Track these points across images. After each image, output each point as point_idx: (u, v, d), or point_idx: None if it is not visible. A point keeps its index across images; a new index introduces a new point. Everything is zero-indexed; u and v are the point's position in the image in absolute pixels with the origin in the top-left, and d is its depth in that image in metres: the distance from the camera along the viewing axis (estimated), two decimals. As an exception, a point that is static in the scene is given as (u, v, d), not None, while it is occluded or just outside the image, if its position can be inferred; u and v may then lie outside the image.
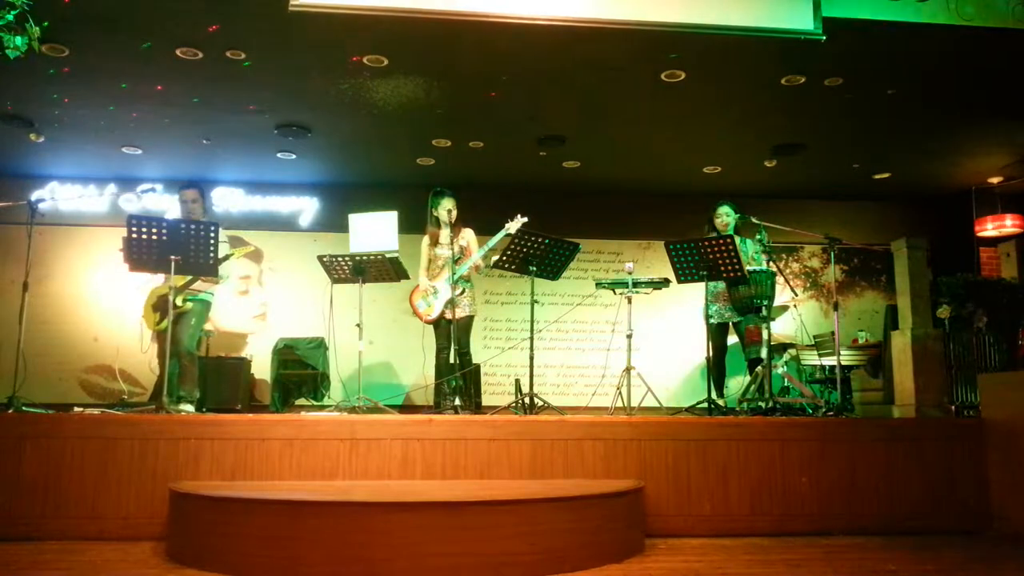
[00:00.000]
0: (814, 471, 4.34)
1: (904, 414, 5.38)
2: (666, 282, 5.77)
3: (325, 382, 7.44)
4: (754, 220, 5.55)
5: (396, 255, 5.35)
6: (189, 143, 7.54)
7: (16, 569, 3.34)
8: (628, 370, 5.40)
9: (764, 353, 5.35)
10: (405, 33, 5.44)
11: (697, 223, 6.24)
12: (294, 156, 7.91)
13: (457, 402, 5.06)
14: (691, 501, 4.24)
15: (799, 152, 7.64)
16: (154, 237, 4.71)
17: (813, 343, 7.61)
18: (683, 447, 4.30)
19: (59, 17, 5.10)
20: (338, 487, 3.90)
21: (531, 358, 5.17)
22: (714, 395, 5.26)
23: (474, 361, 6.25)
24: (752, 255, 5.76)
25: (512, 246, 5.20)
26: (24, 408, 4.42)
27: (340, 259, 5.37)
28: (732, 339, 6.01)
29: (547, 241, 5.15)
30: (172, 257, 4.72)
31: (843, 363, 7.32)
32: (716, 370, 5.72)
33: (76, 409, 4.92)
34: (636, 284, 5.72)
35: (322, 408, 6.77)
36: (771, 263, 5.52)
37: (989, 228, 8.47)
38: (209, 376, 6.60)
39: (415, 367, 6.48)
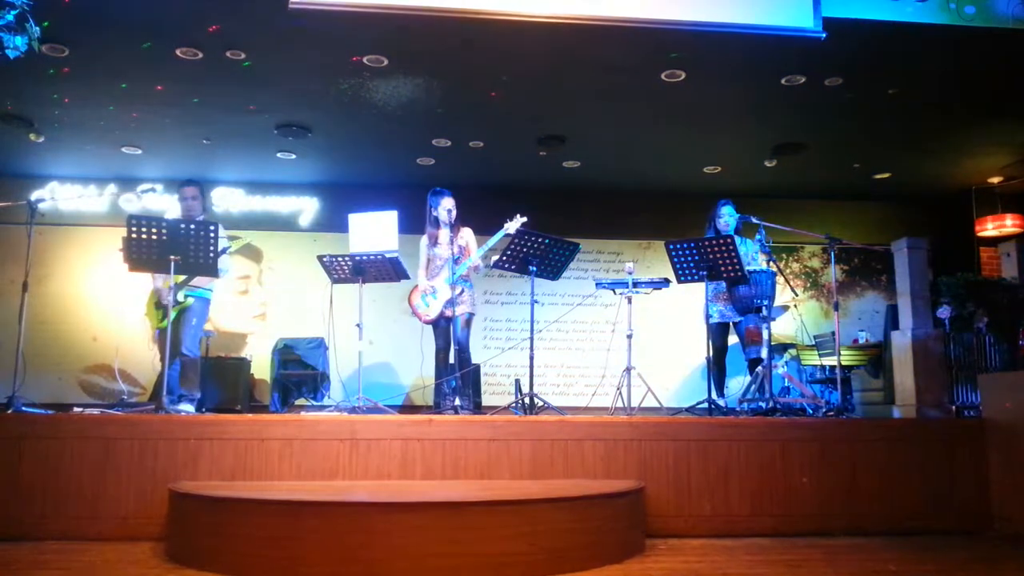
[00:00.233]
0: (815, 471, 4.34)
1: (905, 414, 5.37)
2: (666, 282, 5.77)
3: (325, 382, 7.44)
4: (754, 220, 5.54)
5: (396, 255, 5.34)
6: (189, 143, 7.54)
7: (16, 569, 3.33)
8: (628, 370, 5.40)
9: (764, 353, 5.34)
10: (405, 32, 5.44)
11: (697, 223, 6.24)
12: (294, 156, 7.91)
13: (457, 402, 5.06)
14: (691, 501, 4.24)
15: (799, 152, 7.63)
16: (154, 237, 4.71)
17: (813, 343, 7.61)
18: (683, 447, 4.30)
19: (59, 17, 5.10)
20: (338, 487, 3.90)
21: (531, 358, 5.17)
22: (714, 395, 5.26)
23: (474, 361, 6.25)
24: (752, 255, 5.75)
25: (512, 246, 5.19)
26: (23, 408, 4.42)
27: (340, 259, 5.37)
28: (732, 339, 6.01)
29: (547, 241, 5.14)
30: (172, 257, 4.72)
31: (843, 363, 7.32)
32: (716, 370, 5.72)
33: (75, 409, 4.92)
34: (636, 284, 5.71)
35: (322, 408, 6.76)
36: (771, 263, 5.52)
37: (989, 228, 8.46)
38: (209, 376, 6.58)
39: (415, 367, 6.47)
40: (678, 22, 5.20)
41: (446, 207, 5.54)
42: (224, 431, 4.17)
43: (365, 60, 5.83)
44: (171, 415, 4.47)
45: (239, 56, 5.75)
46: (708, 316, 5.60)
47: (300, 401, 7.40)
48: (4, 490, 3.96)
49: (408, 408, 7.89)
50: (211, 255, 4.84)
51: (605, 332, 7.78)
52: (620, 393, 5.38)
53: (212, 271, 5.02)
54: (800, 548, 3.94)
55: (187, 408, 5.29)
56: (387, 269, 5.36)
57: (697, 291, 5.52)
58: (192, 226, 4.83)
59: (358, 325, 5.36)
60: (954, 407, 5.77)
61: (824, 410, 5.44)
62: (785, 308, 7.31)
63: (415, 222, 6.09)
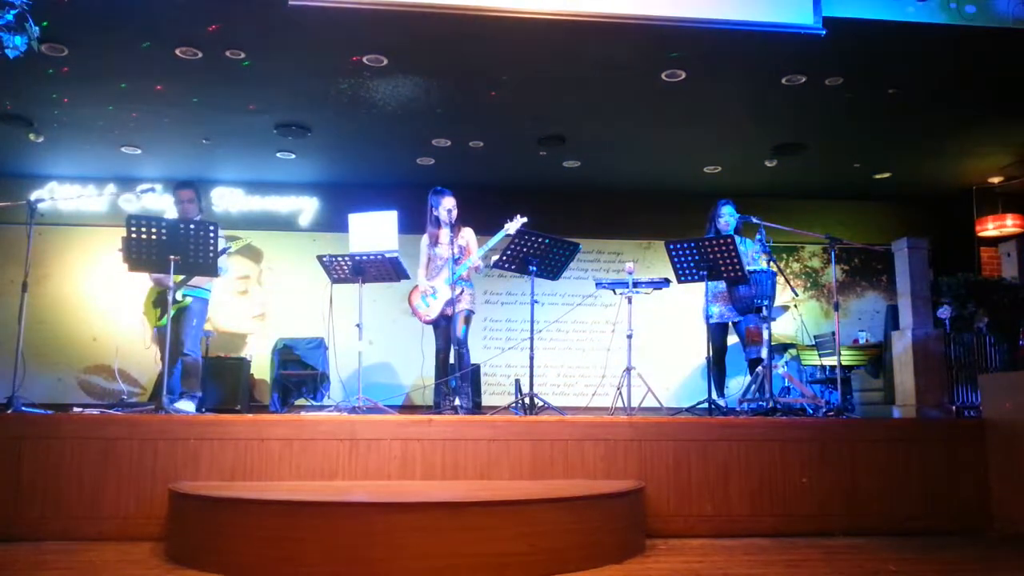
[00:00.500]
0: (815, 471, 4.34)
1: (905, 414, 5.38)
2: (666, 282, 5.77)
3: (325, 382, 7.43)
4: (755, 220, 5.54)
5: (396, 255, 5.34)
6: (189, 143, 7.54)
7: (16, 570, 3.33)
8: (628, 370, 5.40)
9: (764, 353, 5.34)
10: (404, 32, 5.44)
11: (697, 223, 6.24)
12: (294, 156, 7.91)
13: (457, 402, 5.06)
14: (691, 502, 4.24)
15: (799, 152, 7.63)
16: (153, 237, 4.71)
17: (813, 343, 7.61)
18: (683, 447, 4.30)
19: (59, 17, 5.10)
20: (338, 487, 3.89)
21: (531, 358, 5.17)
22: (714, 395, 5.26)
23: (474, 361, 6.25)
24: (752, 255, 5.75)
25: (512, 246, 5.19)
26: (23, 408, 4.41)
27: (340, 259, 5.37)
28: (732, 339, 6.01)
29: (547, 241, 5.14)
30: (171, 257, 4.72)
31: (844, 363, 7.32)
32: (716, 370, 5.71)
33: (75, 409, 4.92)
34: (636, 284, 5.71)
35: (322, 408, 6.76)
36: (771, 263, 5.52)
37: (990, 228, 8.46)
38: (209, 376, 6.58)
39: (415, 367, 6.47)
40: (678, 19, 5.20)
41: (446, 207, 5.53)
42: (224, 431, 4.16)
43: (365, 60, 5.82)
44: (171, 415, 4.46)
45: (239, 56, 5.74)
46: (708, 316, 5.60)
47: (300, 401, 7.40)
48: (4, 490, 3.95)
49: (408, 408, 7.89)
50: (211, 255, 4.84)
51: (605, 332, 7.78)
52: (620, 393, 5.38)
53: (212, 271, 5.02)
54: (800, 548, 3.94)
55: (188, 405, 5.29)
56: (387, 269, 5.36)
57: (697, 291, 5.52)
58: (192, 226, 4.83)
59: (358, 325, 5.35)
60: (954, 407, 5.77)
61: (824, 410, 5.44)
62: (785, 308, 7.31)
63: (415, 222, 6.08)
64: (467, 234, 5.67)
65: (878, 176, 8.48)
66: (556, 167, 8.15)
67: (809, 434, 4.41)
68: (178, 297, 5.29)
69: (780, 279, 5.70)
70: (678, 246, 5.14)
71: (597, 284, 5.99)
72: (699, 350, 5.54)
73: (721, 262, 5.10)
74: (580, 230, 7.56)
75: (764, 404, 5.07)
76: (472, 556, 3.23)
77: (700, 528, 4.20)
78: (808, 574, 3.42)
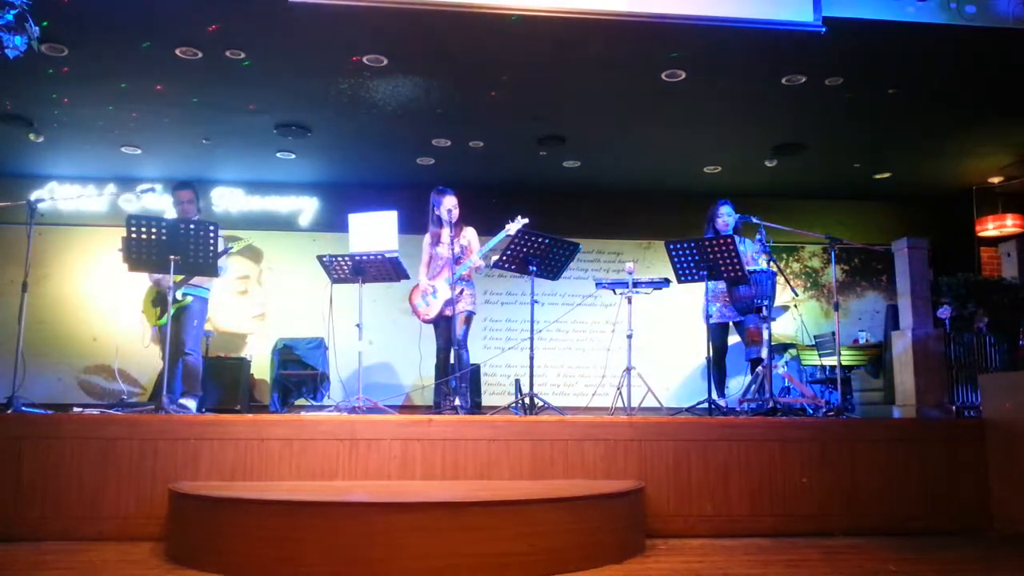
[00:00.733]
0: (815, 471, 4.34)
1: (905, 414, 5.37)
2: (666, 282, 5.77)
3: (325, 382, 7.43)
4: (754, 220, 5.54)
5: (396, 255, 5.34)
6: (189, 143, 7.54)
7: (16, 570, 3.33)
8: (628, 370, 5.40)
9: (764, 353, 5.34)
10: (404, 32, 5.44)
11: (697, 223, 6.23)
12: (294, 156, 7.91)
13: (457, 402, 5.05)
14: (691, 502, 4.24)
15: (799, 152, 7.64)
16: (153, 237, 4.71)
17: (813, 343, 7.61)
18: (683, 447, 4.30)
19: (59, 17, 5.10)
20: (338, 487, 3.89)
21: (531, 358, 5.17)
22: (714, 395, 5.25)
23: (474, 361, 6.24)
24: (752, 255, 5.75)
25: (512, 246, 5.19)
26: (23, 408, 4.41)
27: (340, 259, 5.37)
28: (732, 339, 6.01)
29: (547, 241, 5.14)
30: (171, 257, 4.72)
31: (844, 363, 7.32)
32: (716, 370, 5.71)
33: (75, 409, 4.92)
34: (636, 284, 5.71)
35: (322, 408, 6.76)
36: (771, 263, 5.52)
37: (990, 228, 8.46)
38: (209, 376, 6.58)
39: (415, 367, 6.47)
40: (678, 16, 5.19)
41: (447, 206, 5.49)
42: (224, 431, 4.16)
43: (365, 60, 5.82)
44: (171, 415, 4.46)
45: (239, 56, 5.74)
46: (708, 316, 5.60)
47: (300, 401, 7.40)
48: (4, 490, 3.95)
49: (408, 408, 7.89)
50: (211, 255, 4.84)
51: (605, 332, 7.78)
52: (620, 393, 5.38)
53: (212, 271, 5.02)
54: (800, 548, 3.94)
55: (189, 404, 5.29)
56: (387, 269, 5.36)
57: (697, 291, 5.52)
58: (192, 226, 4.83)
59: (358, 325, 5.35)
60: (954, 407, 5.77)
61: (824, 410, 5.44)
62: (785, 308, 7.31)
63: (415, 222, 6.08)
64: (469, 234, 5.65)
65: (878, 176, 8.48)
66: (556, 167, 8.15)
67: (809, 434, 4.41)
68: (178, 296, 5.29)
69: (780, 279, 5.70)
70: (678, 246, 5.14)
71: (597, 284, 5.99)
72: (699, 350, 5.54)
73: (721, 262, 5.10)
74: (580, 230, 7.56)
75: (764, 404, 5.07)
76: (472, 556, 3.23)
77: (700, 528, 4.20)
78: (808, 574, 3.42)
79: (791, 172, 8.20)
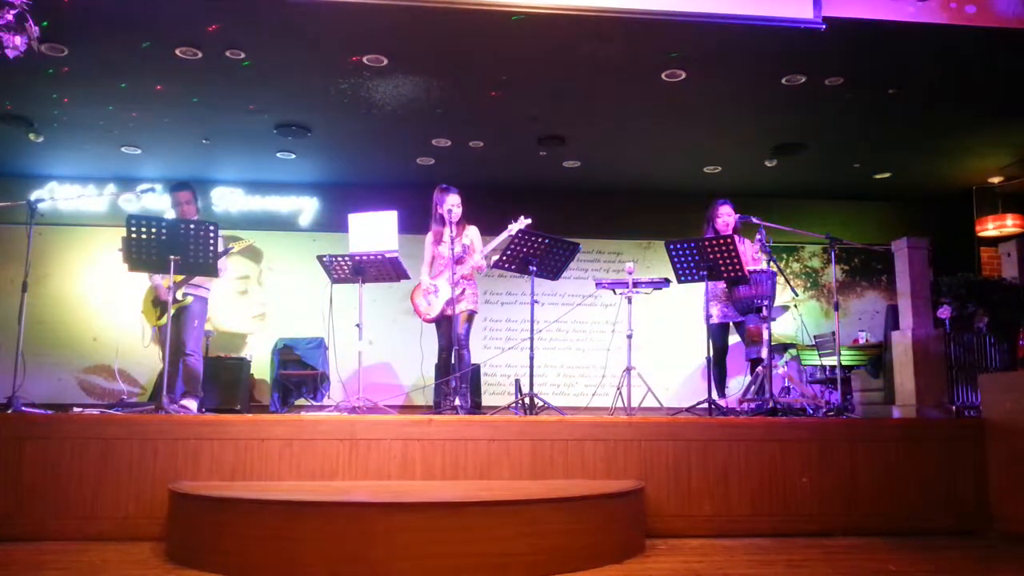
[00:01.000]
0: (815, 471, 4.34)
1: (905, 414, 5.37)
2: (666, 282, 5.77)
3: (325, 382, 7.43)
4: (754, 220, 5.54)
5: (396, 255, 5.34)
6: (188, 143, 7.54)
7: (16, 570, 3.33)
8: (628, 370, 5.40)
9: (764, 353, 5.34)
10: (404, 31, 5.44)
11: (697, 223, 6.24)
12: (294, 156, 7.91)
13: (457, 402, 5.05)
14: (691, 501, 4.24)
15: (799, 152, 7.64)
16: (153, 237, 4.71)
17: (813, 343, 7.61)
18: (683, 447, 4.30)
19: (59, 17, 5.10)
20: (338, 487, 3.89)
21: (531, 358, 5.16)
22: (714, 395, 5.25)
23: (474, 361, 6.23)
24: (752, 255, 5.75)
25: (512, 246, 5.19)
26: (23, 408, 4.41)
27: (340, 259, 5.37)
28: (733, 339, 6.01)
29: (547, 241, 5.14)
30: (171, 257, 4.72)
31: (843, 363, 7.32)
32: (716, 370, 5.71)
33: (75, 409, 4.92)
34: (636, 284, 5.71)
35: (322, 408, 6.77)
36: (771, 263, 5.52)
37: (990, 228, 8.46)
38: (209, 376, 6.58)
39: (415, 367, 6.48)
40: (677, 13, 5.18)
41: (450, 204, 5.47)
42: (224, 431, 4.16)
43: (365, 60, 5.82)
44: (171, 415, 4.47)
45: (239, 56, 5.74)
46: (708, 316, 5.60)
47: (300, 401, 7.40)
48: (4, 490, 3.95)
49: (408, 408, 7.89)
50: (211, 255, 4.84)
51: (605, 332, 7.78)
52: (620, 393, 5.38)
53: (212, 271, 5.02)
54: (800, 548, 3.94)
55: (190, 405, 5.29)
56: (387, 269, 5.36)
57: (697, 291, 5.52)
58: (192, 226, 4.83)
59: (358, 325, 5.35)
60: (954, 407, 5.77)
61: (824, 410, 5.44)
62: (785, 308, 7.31)
63: (415, 222, 6.08)
64: (472, 233, 5.62)
65: (878, 176, 8.48)
66: (556, 167, 8.15)
67: (809, 434, 4.41)
68: (178, 296, 5.29)
69: (780, 279, 5.70)
70: (678, 246, 5.14)
71: (597, 284, 5.99)
72: (699, 350, 5.53)
73: (721, 262, 5.10)
74: (580, 230, 7.56)
75: (764, 404, 5.07)
76: (472, 556, 3.23)
77: (700, 528, 4.20)
78: (808, 574, 3.42)
79: (791, 172, 8.20)
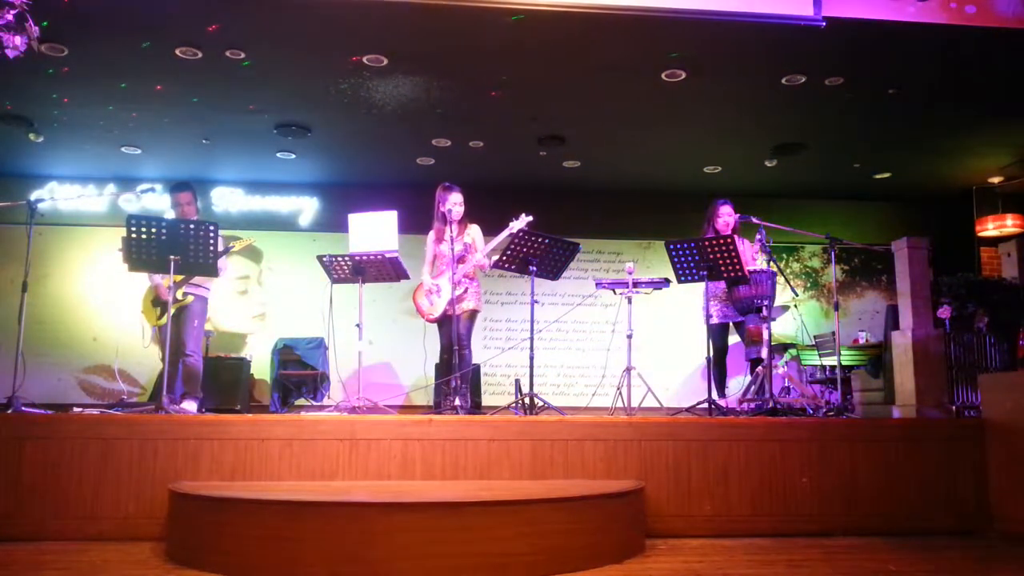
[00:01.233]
0: (815, 471, 4.34)
1: (905, 414, 5.37)
2: (666, 282, 5.77)
3: (325, 382, 7.43)
4: (754, 220, 5.54)
5: (396, 255, 5.33)
6: (188, 143, 7.54)
7: (16, 570, 3.33)
8: (628, 370, 5.40)
9: (764, 353, 5.34)
10: (404, 31, 5.44)
11: (697, 223, 6.24)
12: (294, 156, 7.91)
13: (457, 402, 5.05)
14: (691, 501, 4.24)
15: (799, 152, 7.64)
16: (153, 237, 4.71)
17: (813, 343, 7.61)
18: (683, 447, 4.30)
19: (59, 17, 5.10)
20: (338, 487, 3.89)
21: (531, 358, 5.16)
22: (714, 395, 5.25)
23: (474, 361, 6.23)
24: (752, 255, 5.75)
25: (512, 246, 5.18)
26: (23, 408, 4.41)
27: (340, 259, 5.36)
28: (733, 339, 6.01)
29: (547, 241, 5.14)
30: (171, 257, 4.72)
31: (843, 363, 7.32)
32: (716, 370, 5.71)
33: (75, 409, 4.92)
34: (636, 284, 5.71)
35: (322, 408, 6.77)
36: (771, 263, 5.52)
37: (990, 228, 8.46)
38: (209, 376, 6.59)
39: (415, 367, 6.48)
40: (677, 10, 5.17)
41: (452, 203, 5.44)
42: (224, 431, 4.16)
43: (365, 60, 5.82)
44: (171, 415, 4.47)
45: (239, 56, 5.74)
46: (708, 316, 5.60)
47: (300, 401, 7.40)
48: (4, 490, 3.95)
49: (408, 408, 7.89)
50: (211, 255, 4.84)
51: (605, 332, 7.79)
52: (620, 393, 5.38)
53: (212, 271, 5.02)
54: (800, 548, 3.94)
55: (190, 406, 5.29)
56: (387, 269, 5.35)
57: (697, 291, 5.52)
58: (191, 226, 4.83)
59: (358, 325, 5.35)
60: (954, 407, 5.77)
61: (824, 410, 5.44)
62: (785, 308, 7.31)
63: (415, 222, 6.08)
64: (473, 231, 5.60)
65: (878, 176, 8.48)
66: (556, 167, 8.15)
67: (809, 434, 4.41)
68: (179, 296, 5.29)
69: (780, 279, 5.70)
70: (678, 246, 5.14)
71: (597, 284, 5.99)
72: (699, 350, 5.53)
73: (721, 262, 5.09)
74: (580, 230, 7.56)
75: (764, 404, 5.08)
76: (472, 556, 3.23)
77: (700, 528, 4.20)
78: (808, 574, 3.42)
79: (791, 172, 8.20)
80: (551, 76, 6.10)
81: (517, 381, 6.35)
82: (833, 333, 6.39)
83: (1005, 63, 5.79)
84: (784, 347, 7.83)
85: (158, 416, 4.38)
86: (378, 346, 8.07)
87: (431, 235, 5.67)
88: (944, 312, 6.42)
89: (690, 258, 5.14)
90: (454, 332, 5.31)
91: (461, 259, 5.43)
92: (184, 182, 6.02)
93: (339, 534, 3.21)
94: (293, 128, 7.13)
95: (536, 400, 4.99)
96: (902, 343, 5.50)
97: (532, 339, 5.21)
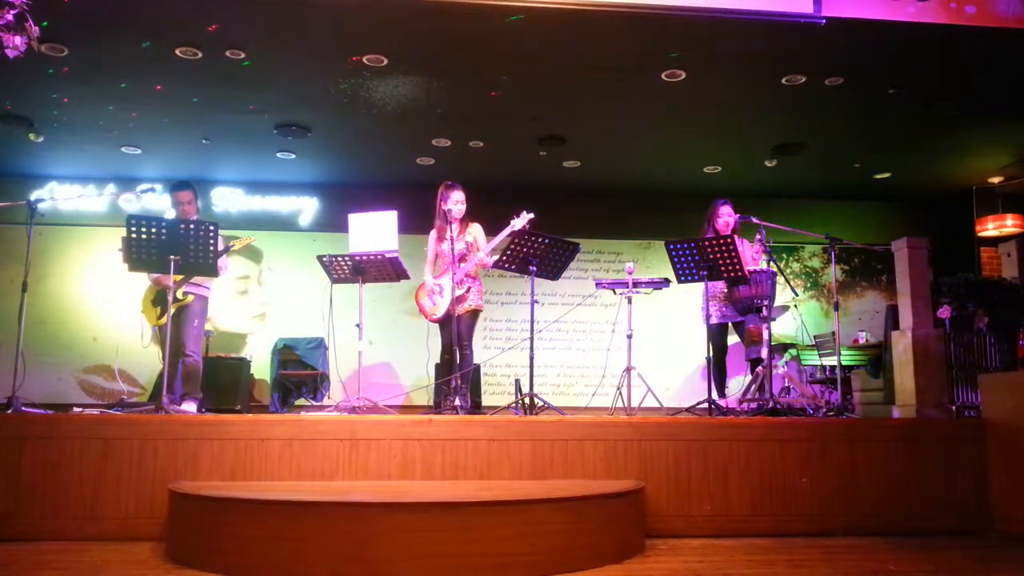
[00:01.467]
0: (814, 471, 4.34)
1: (905, 414, 5.36)
2: (666, 282, 5.77)
3: (325, 382, 7.43)
4: (754, 220, 5.54)
5: (396, 255, 5.33)
6: (189, 143, 7.54)
7: (16, 570, 3.33)
8: (628, 370, 5.40)
9: (764, 353, 5.34)
10: (404, 31, 5.44)
11: (697, 223, 6.24)
12: (294, 156, 7.91)
13: (457, 402, 5.05)
14: (691, 501, 4.24)
15: (799, 152, 7.63)
16: (153, 237, 4.71)
17: (813, 343, 7.61)
18: (683, 447, 4.30)
19: (59, 17, 5.10)
20: (338, 487, 3.90)
21: (531, 358, 5.16)
22: (714, 395, 5.25)
23: (474, 361, 6.23)
24: (752, 255, 5.75)
25: (512, 246, 5.19)
26: (23, 408, 4.42)
27: (340, 259, 5.37)
28: (732, 339, 6.01)
29: (547, 241, 5.14)
30: (171, 257, 4.72)
31: (843, 363, 7.31)
32: (716, 370, 5.71)
33: (75, 409, 4.92)
34: (636, 284, 5.71)
35: (322, 408, 6.77)
36: (771, 263, 5.52)
37: (990, 228, 8.46)
38: (209, 376, 6.59)
39: (415, 367, 6.47)
40: (677, 8, 5.16)
41: (453, 201, 5.43)
42: (224, 431, 4.16)
43: (365, 60, 5.82)
44: (171, 415, 4.47)
45: (239, 56, 5.74)
46: (707, 316, 5.60)
47: (300, 401, 7.40)
48: (4, 490, 3.96)
49: (408, 408, 7.88)
50: (211, 255, 4.84)
51: (605, 332, 7.79)
52: (620, 393, 5.38)
53: (212, 271, 5.02)
54: (800, 548, 3.94)
55: (190, 407, 5.29)
56: (387, 269, 5.36)
57: (697, 291, 5.52)
58: (191, 226, 4.83)
59: (358, 325, 5.35)
60: (954, 407, 5.77)
61: (824, 410, 5.44)
62: (785, 308, 7.31)
63: (415, 222, 6.08)
64: (475, 230, 5.58)
65: (878, 176, 8.48)
66: (556, 167, 8.14)
67: (809, 434, 4.41)
68: (179, 295, 5.30)
69: (780, 279, 5.70)
70: (678, 246, 5.14)
71: (597, 284, 5.99)
72: (699, 350, 5.54)
73: (721, 262, 5.10)
74: (580, 230, 7.56)
75: (764, 404, 5.08)
76: (472, 556, 3.23)
77: (700, 528, 4.20)
78: (808, 574, 3.42)
79: (791, 172, 8.20)
80: (551, 76, 6.10)
81: (517, 381, 6.35)
82: (833, 333, 6.39)
83: (1005, 63, 5.79)
84: (784, 347, 7.83)
85: (158, 416, 4.38)
86: (378, 346, 8.06)
87: (432, 234, 5.66)
88: (944, 312, 6.41)
89: (690, 258, 5.14)
90: (455, 331, 5.30)
91: (462, 258, 5.43)
92: (185, 181, 6.02)
93: (339, 534, 3.21)
94: (293, 128, 7.13)
95: (536, 400, 4.99)
96: (902, 343, 5.49)
97: (532, 339, 5.21)
